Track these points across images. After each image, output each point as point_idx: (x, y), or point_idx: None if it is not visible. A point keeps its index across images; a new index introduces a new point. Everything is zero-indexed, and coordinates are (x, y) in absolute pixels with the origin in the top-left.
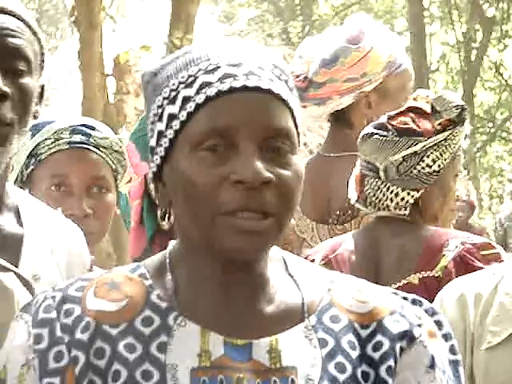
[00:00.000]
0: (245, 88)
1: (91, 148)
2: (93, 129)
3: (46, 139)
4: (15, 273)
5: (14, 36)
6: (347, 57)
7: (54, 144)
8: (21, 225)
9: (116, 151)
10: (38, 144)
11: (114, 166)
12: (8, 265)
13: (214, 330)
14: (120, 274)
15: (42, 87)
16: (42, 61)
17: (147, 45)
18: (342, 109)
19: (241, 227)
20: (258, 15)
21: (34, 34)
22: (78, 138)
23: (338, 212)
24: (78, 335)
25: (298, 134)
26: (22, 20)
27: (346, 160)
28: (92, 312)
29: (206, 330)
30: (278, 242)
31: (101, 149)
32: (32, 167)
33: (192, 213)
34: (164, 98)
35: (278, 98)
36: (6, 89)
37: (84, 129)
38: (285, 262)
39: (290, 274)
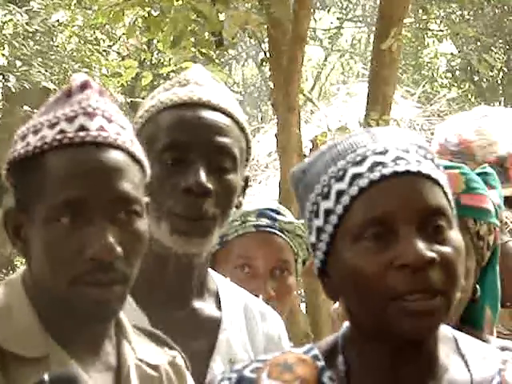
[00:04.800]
0: (395, 174)
1: (277, 232)
2: (278, 213)
3: (232, 221)
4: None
5: (221, 134)
6: None
7: (240, 226)
8: (220, 309)
9: (298, 235)
10: None
11: (295, 250)
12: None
13: None
14: (293, 356)
15: (246, 179)
16: (248, 154)
17: (344, 126)
18: None
19: (412, 309)
20: (458, 95)
21: (242, 129)
22: (264, 221)
23: None
24: None
25: (452, 208)
26: (231, 117)
27: None
28: None
29: None
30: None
31: (285, 233)
32: (217, 247)
33: (362, 301)
34: (317, 195)
35: (428, 178)
36: (210, 186)
37: (270, 213)
38: (456, 341)
39: (460, 354)
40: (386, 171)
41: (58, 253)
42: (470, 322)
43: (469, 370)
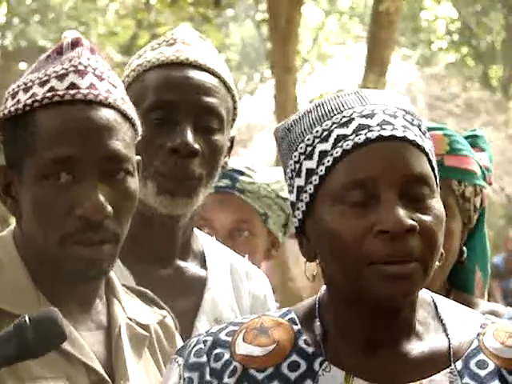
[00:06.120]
0: (380, 138)
1: (235, 192)
2: (241, 173)
3: None
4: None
5: (208, 94)
6: None
7: None
8: (205, 268)
9: (265, 196)
10: None
11: (261, 211)
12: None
13: (358, 375)
14: (270, 319)
15: (232, 140)
16: (235, 115)
17: (342, 88)
18: None
19: (387, 273)
20: (457, 59)
21: (229, 89)
22: (224, 182)
23: None
24: (226, 379)
25: (436, 176)
26: (218, 76)
27: None
28: (240, 356)
29: (349, 376)
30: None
31: (246, 193)
32: None
33: (339, 264)
34: (300, 154)
35: (413, 145)
36: (197, 146)
37: (232, 173)
38: (435, 306)
39: (439, 318)
40: (371, 135)
41: (48, 211)
42: (460, 285)
43: (447, 335)
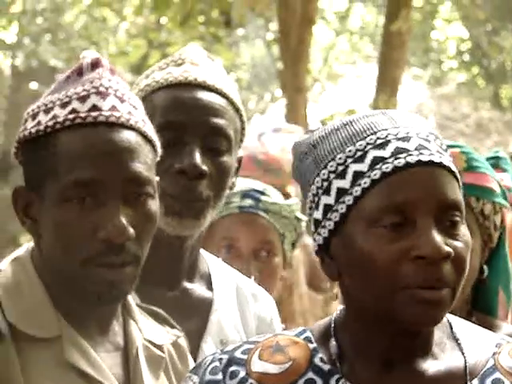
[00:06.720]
0: (419, 163)
1: (260, 213)
2: (262, 193)
3: None
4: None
5: (216, 115)
6: None
7: (224, 207)
8: (211, 290)
9: (284, 216)
10: None
11: (281, 231)
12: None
13: None
14: (285, 337)
15: (240, 160)
16: (243, 135)
17: (353, 108)
18: None
19: (421, 298)
20: (468, 79)
21: (237, 110)
22: (248, 202)
23: None
24: None
25: (463, 202)
26: (226, 97)
27: None
28: (256, 374)
29: None
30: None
31: (269, 214)
32: None
33: (370, 286)
34: (330, 172)
35: (448, 170)
36: (205, 168)
37: (254, 193)
38: (450, 326)
39: (454, 337)
40: (411, 159)
41: (70, 233)
42: (484, 308)
43: (463, 354)
